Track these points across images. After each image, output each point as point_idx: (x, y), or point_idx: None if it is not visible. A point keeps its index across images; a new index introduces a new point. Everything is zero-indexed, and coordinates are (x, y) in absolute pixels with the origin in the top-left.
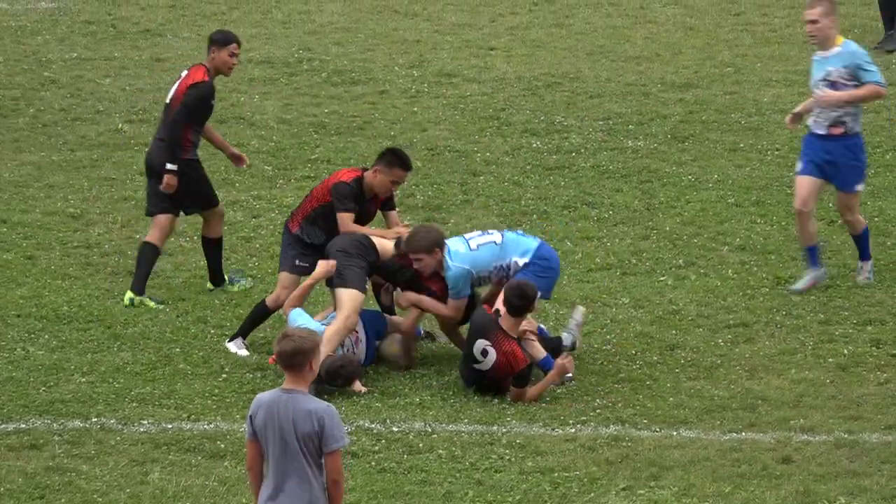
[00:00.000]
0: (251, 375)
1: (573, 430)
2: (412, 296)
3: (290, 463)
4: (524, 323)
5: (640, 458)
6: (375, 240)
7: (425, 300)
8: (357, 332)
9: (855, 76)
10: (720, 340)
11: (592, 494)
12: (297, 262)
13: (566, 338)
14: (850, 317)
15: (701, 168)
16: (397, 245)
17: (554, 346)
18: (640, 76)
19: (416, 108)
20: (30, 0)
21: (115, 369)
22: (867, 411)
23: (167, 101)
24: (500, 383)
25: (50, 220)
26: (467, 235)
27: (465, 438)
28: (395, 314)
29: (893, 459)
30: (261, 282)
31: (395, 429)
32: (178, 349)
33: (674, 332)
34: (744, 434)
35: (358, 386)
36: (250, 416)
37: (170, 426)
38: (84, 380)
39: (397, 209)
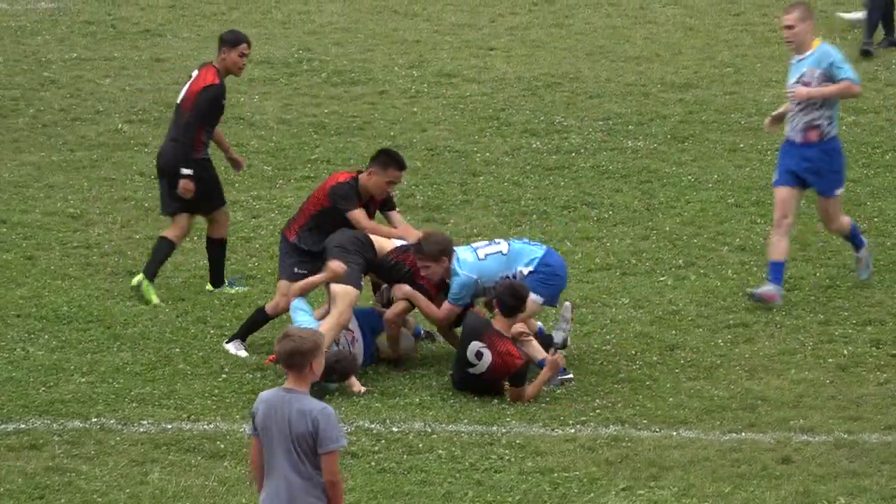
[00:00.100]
0: (251, 376)
1: (573, 431)
2: (408, 289)
3: (288, 462)
4: (521, 325)
5: (640, 458)
6: (373, 237)
7: (420, 297)
8: (352, 330)
9: (829, 76)
10: (720, 341)
11: (592, 495)
12: (295, 269)
13: (557, 335)
14: (849, 317)
15: (701, 168)
16: (417, 247)
17: (546, 345)
18: (640, 76)
19: (415, 109)
20: (30, 0)
21: (115, 369)
22: (867, 411)
23: (178, 101)
24: (495, 384)
25: (50, 221)
26: (475, 244)
27: (464, 439)
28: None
29: (893, 460)
30: (260, 282)
31: (394, 429)
32: (177, 349)
33: (673, 332)
34: (743, 434)
35: (357, 386)
36: (252, 414)
37: (169, 426)
38: (84, 380)
39: (397, 209)
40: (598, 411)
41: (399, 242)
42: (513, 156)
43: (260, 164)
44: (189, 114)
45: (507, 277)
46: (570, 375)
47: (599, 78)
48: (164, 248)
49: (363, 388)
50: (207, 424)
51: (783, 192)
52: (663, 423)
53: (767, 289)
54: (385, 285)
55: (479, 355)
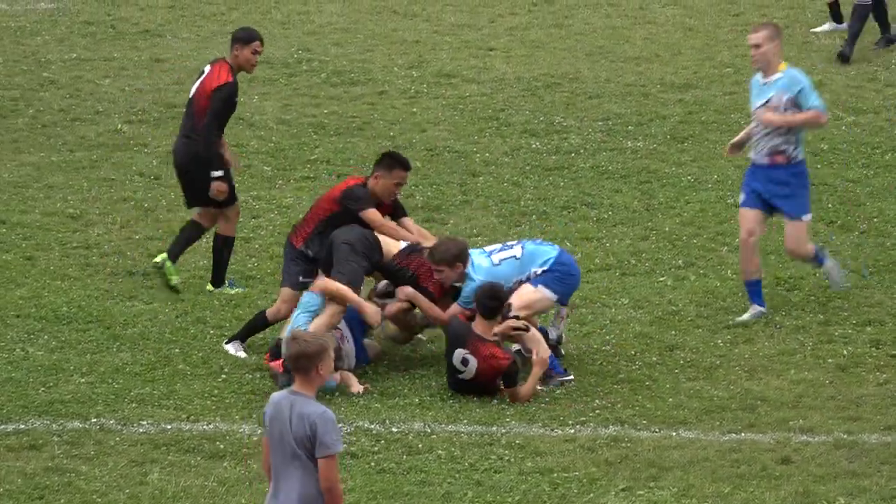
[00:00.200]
0: (250, 376)
1: (572, 431)
2: (410, 290)
3: (290, 463)
4: (508, 323)
5: (640, 458)
6: (381, 238)
7: (422, 299)
8: (340, 328)
9: (797, 102)
10: (719, 341)
11: (592, 495)
12: (300, 278)
13: (552, 332)
14: (849, 317)
15: (700, 168)
16: (431, 252)
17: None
18: (640, 77)
19: (415, 109)
20: (29, 1)
21: (115, 370)
22: (866, 412)
23: (190, 95)
24: (488, 386)
25: (49, 221)
26: (488, 248)
27: (464, 439)
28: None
29: (893, 460)
30: (260, 282)
31: (394, 429)
32: (177, 350)
33: (673, 332)
34: (743, 435)
35: (356, 386)
36: (264, 414)
37: (169, 427)
38: (83, 380)
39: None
40: (597, 412)
41: (404, 244)
42: (512, 156)
43: (259, 164)
44: (206, 115)
45: (521, 281)
46: (571, 377)
47: (599, 78)
48: (191, 232)
49: (361, 388)
50: (207, 425)
51: (749, 213)
52: (663, 424)
53: (752, 313)
54: (384, 281)
55: (464, 362)
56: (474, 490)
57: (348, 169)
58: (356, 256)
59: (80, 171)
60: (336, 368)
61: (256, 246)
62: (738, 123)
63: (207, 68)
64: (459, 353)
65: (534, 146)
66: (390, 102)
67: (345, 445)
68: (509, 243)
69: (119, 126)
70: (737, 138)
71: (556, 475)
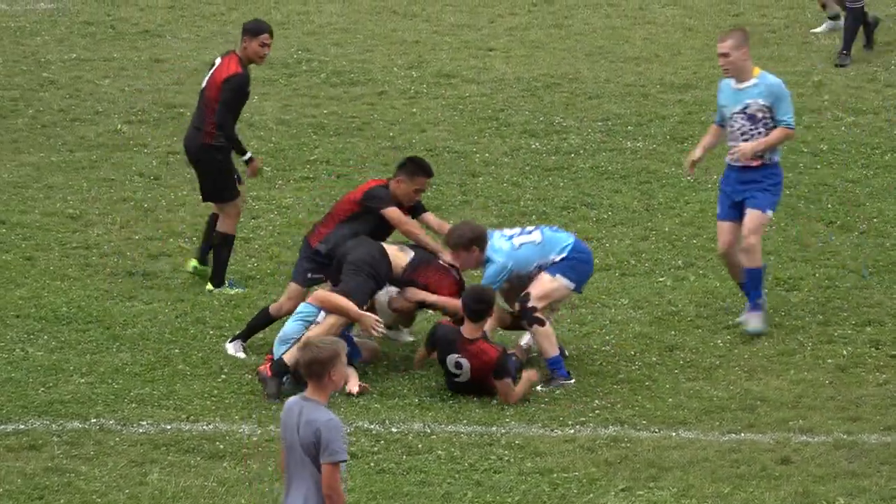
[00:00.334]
0: (250, 377)
1: (572, 431)
2: (420, 294)
3: (299, 467)
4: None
5: (639, 458)
6: (390, 252)
7: (431, 296)
8: None
9: (771, 110)
10: (719, 341)
11: (591, 495)
12: (308, 275)
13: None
14: (849, 318)
15: (700, 169)
16: (446, 237)
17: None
18: (639, 77)
19: (415, 109)
20: (29, 1)
21: (114, 370)
22: (866, 412)
23: (201, 88)
24: (486, 385)
25: (49, 221)
26: (507, 232)
27: (464, 439)
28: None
29: (892, 460)
30: (259, 283)
31: (394, 430)
32: (176, 350)
33: (673, 332)
34: (743, 435)
35: (353, 386)
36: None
37: (169, 427)
38: (83, 381)
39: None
40: (597, 412)
41: (412, 256)
42: (512, 156)
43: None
44: (218, 106)
45: (541, 266)
46: (573, 380)
47: (598, 78)
48: (225, 245)
49: (357, 388)
50: (206, 425)
51: (724, 226)
52: (662, 424)
53: (752, 314)
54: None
55: (458, 366)
56: (474, 490)
57: (348, 169)
58: (363, 274)
59: (80, 171)
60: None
61: (256, 246)
62: None
63: (218, 60)
64: (452, 358)
65: (533, 146)
66: (390, 103)
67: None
68: (527, 228)
69: (119, 126)
70: (697, 153)
71: (555, 475)
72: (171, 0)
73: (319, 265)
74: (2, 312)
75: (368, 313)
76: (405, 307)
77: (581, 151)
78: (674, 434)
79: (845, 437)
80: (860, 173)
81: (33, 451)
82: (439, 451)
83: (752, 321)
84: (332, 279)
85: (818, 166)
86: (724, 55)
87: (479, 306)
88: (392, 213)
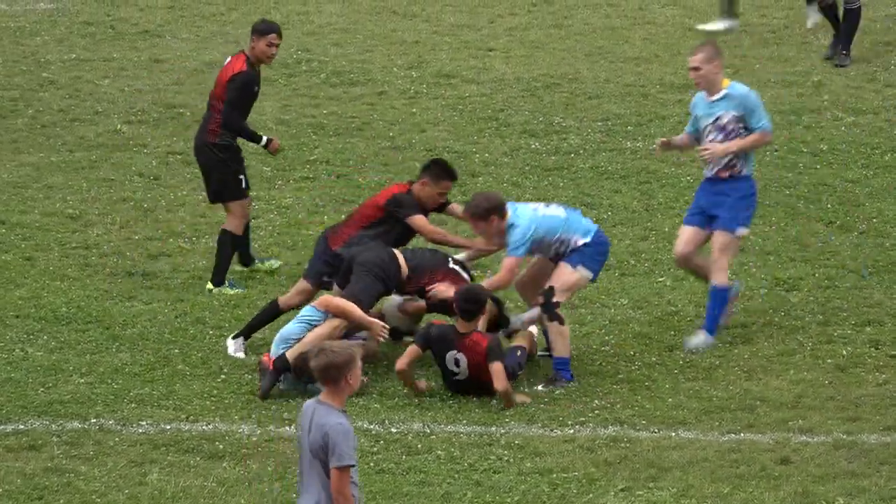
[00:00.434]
0: (249, 377)
1: (572, 431)
2: (442, 288)
3: (310, 469)
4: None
5: (639, 458)
6: (400, 259)
7: (486, 281)
8: None
9: (744, 121)
10: (719, 341)
11: (591, 495)
12: (324, 277)
13: (514, 321)
14: (848, 318)
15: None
16: (465, 209)
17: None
18: (639, 77)
19: (414, 109)
20: (28, 1)
21: (114, 370)
22: (866, 412)
23: (212, 88)
24: (484, 380)
25: (48, 221)
26: (531, 205)
27: (463, 439)
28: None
29: (892, 460)
30: (259, 283)
31: (393, 430)
32: (176, 350)
33: (672, 332)
34: (742, 435)
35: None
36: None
37: (168, 427)
38: (83, 381)
39: (451, 202)
40: (596, 412)
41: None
42: (512, 156)
43: (259, 164)
44: (224, 111)
45: (562, 241)
46: (574, 383)
47: (598, 79)
48: (227, 244)
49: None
50: (206, 425)
51: (686, 230)
52: (662, 424)
53: (702, 332)
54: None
55: (456, 363)
56: (473, 490)
57: (347, 169)
58: (372, 277)
59: (80, 171)
60: (304, 381)
61: (256, 246)
62: None
63: (228, 59)
64: (451, 355)
65: (533, 146)
66: (390, 103)
67: None
68: (548, 204)
69: (118, 126)
70: (673, 139)
71: (555, 475)
72: (171, 0)
73: (337, 270)
74: (1, 312)
75: (375, 320)
76: (415, 309)
77: (581, 151)
78: (673, 434)
79: (845, 437)
80: (860, 173)
81: (33, 452)
82: (439, 451)
83: (697, 339)
84: (341, 282)
85: (818, 166)
86: (695, 69)
87: (471, 306)
88: (418, 221)
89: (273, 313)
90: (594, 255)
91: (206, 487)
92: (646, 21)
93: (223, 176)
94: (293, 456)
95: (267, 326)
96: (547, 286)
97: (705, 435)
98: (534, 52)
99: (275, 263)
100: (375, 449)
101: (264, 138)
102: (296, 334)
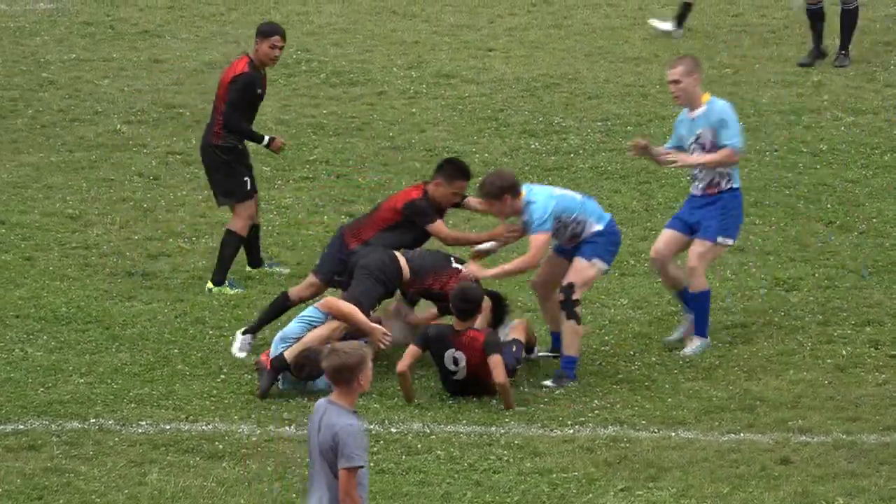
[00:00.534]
0: (249, 377)
1: (571, 431)
2: (475, 267)
3: (319, 469)
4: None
5: (639, 458)
6: (401, 261)
7: (500, 268)
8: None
9: (717, 135)
10: (718, 341)
11: (591, 495)
12: (336, 277)
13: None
14: (848, 318)
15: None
16: (478, 189)
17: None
18: (639, 77)
19: (414, 109)
20: (28, 1)
21: (114, 370)
22: (865, 412)
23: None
24: (484, 381)
25: (48, 221)
26: (546, 186)
27: (463, 439)
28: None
29: (892, 460)
30: (259, 283)
31: (393, 430)
32: (176, 350)
33: (672, 332)
34: (742, 435)
35: None
36: None
37: (168, 427)
38: (82, 381)
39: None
40: (596, 412)
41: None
42: (511, 156)
43: (258, 164)
44: (225, 112)
45: (578, 222)
46: (575, 382)
47: (598, 79)
48: (231, 244)
49: None
50: (206, 425)
51: (665, 233)
52: (662, 424)
53: (697, 337)
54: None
55: (455, 361)
56: (473, 490)
57: (347, 169)
58: (372, 280)
59: (80, 171)
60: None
61: None
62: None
63: (232, 62)
64: (449, 354)
65: (533, 146)
66: (389, 103)
67: None
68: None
69: (118, 126)
70: (653, 147)
71: (554, 475)
72: (171, 0)
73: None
74: (1, 312)
75: (377, 326)
76: (430, 318)
77: (580, 151)
78: (673, 434)
79: (844, 437)
80: (859, 173)
81: (32, 452)
82: (438, 452)
83: (692, 345)
84: (344, 285)
85: (818, 166)
86: (675, 82)
87: (465, 305)
88: (436, 228)
89: (283, 306)
90: (607, 244)
91: (206, 487)
92: (645, 21)
93: (227, 177)
94: (293, 456)
95: (267, 327)
96: (565, 283)
97: (705, 435)
98: (533, 53)
99: (283, 271)
100: (375, 449)
101: (266, 138)
102: (296, 334)
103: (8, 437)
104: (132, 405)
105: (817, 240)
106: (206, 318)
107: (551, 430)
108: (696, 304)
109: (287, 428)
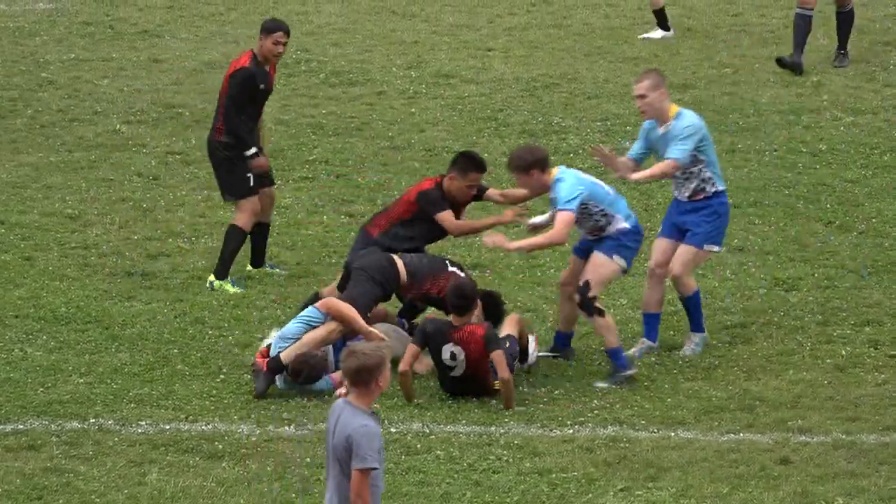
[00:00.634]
0: (248, 377)
1: (571, 431)
2: (501, 239)
3: (335, 469)
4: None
5: (638, 458)
6: (399, 264)
7: (526, 241)
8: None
9: (696, 149)
10: (718, 341)
11: (590, 495)
12: None
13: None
14: (847, 318)
15: None
16: (507, 162)
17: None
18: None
19: (413, 109)
20: (28, 1)
21: (113, 370)
22: (865, 412)
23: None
24: (482, 377)
25: (48, 221)
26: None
27: (462, 439)
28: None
29: (891, 460)
30: (259, 283)
31: (392, 430)
32: (175, 350)
33: (672, 333)
34: (742, 435)
35: (341, 390)
36: None
37: (167, 427)
38: (82, 381)
39: (488, 188)
40: (596, 412)
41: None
42: None
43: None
44: (224, 105)
45: (605, 214)
46: (635, 370)
47: (598, 79)
48: (233, 239)
49: (345, 392)
50: (205, 425)
51: (661, 243)
52: (661, 424)
53: (639, 347)
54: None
55: (453, 356)
56: (473, 490)
57: (347, 169)
58: (370, 283)
59: (79, 171)
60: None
61: None
62: (736, 124)
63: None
64: (447, 348)
65: None
66: (389, 103)
67: None
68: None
69: (117, 126)
70: (619, 156)
71: (554, 475)
72: (170, 0)
73: None
74: (1, 312)
75: (375, 331)
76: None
77: (580, 151)
78: (672, 434)
79: (844, 437)
80: (859, 173)
81: (32, 451)
82: (438, 452)
83: (691, 343)
84: (342, 287)
85: (817, 166)
86: (641, 96)
87: (461, 301)
88: (444, 217)
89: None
90: (629, 243)
91: (206, 487)
92: (645, 21)
93: (228, 174)
94: (292, 456)
95: (266, 327)
96: (582, 281)
97: (704, 435)
98: (533, 52)
99: (282, 272)
100: None
101: (254, 149)
102: (295, 334)
103: (8, 437)
104: (132, 405)
105: (817, 240)
106: (205, 318)
107: (551, 430)
108: (690, 305)
109: (286, 428)
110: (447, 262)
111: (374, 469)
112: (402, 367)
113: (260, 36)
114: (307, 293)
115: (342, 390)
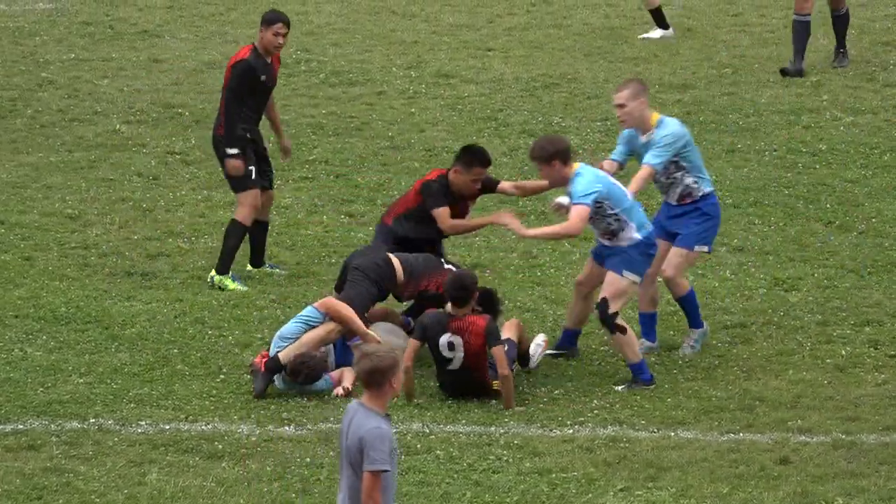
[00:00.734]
0: (248, 377)
1: (571, 431)
2: (516, 224)
3: (348, 471)
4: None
5: (638, 458)
6: (396, 264)
7: (541, 230)
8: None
9: (678, 155)
10: (718, 341)
11: (590, 495)
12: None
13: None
14: (847, 318)
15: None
16: (529, 151)
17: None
18: (638, 77)
19: (413, 109)
20: (27, 1)
21: (113, 370)
22: (865, 412)
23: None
24: (480, 372)
25: (48, 221)
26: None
27: (462, 439)
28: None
29: (891, 460)
30: (259, 283)
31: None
32: (175, 350)
33: (671, 332)
34: (741, 435)
35: (346, 382)
36: None
37: (167, 427)
38: (82, 381)
39: (500, 181)
40: (595, 412)
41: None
42: (511, 156)
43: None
44: (224, 97)
45: (620, 219)
46: (654, 385)
47: (597, 79)
48: (234, 234)
49: (342, 391)
50: (205, 425)
51: (661, 245)
52: (661, 424)
53: (639, 349)
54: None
55: (451, 346)
56: (473, 490)
57: (346, 169)
58: (367, 282)
59: (79, 171)
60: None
61: None
62: (736, 124)
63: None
64: (444, 338)
65: None
66: (389, 103)
67: None
68: None
69: (117, 126)
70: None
71: (554, 475)
72: (170, 0)
73: (395, 245)
74: (1, 312)
75: (373, 333)
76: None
77: (580, 151)
78: (672, 434)
79: (844, 437)
80: (859, 173)
81: (32, 451)
82: (438, 452)
83: (690, 340)
84: (339, 287)
85: (817, 166)
86: (621, 106)
87: (460, 293)
88: (440, 213)
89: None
90: (638, 256)
91: (206, 487)
92: (644, 21)
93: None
94: (292, 456)
95: (266, 327)
96: (600, 298)
97: (704, 435)
98: (533, 52)
99: (282, 272)
100: None
101: (236, 150)
102: (294, 334)
103: (7, 437)
104: (131, 405)
105: (816, 240)
106: (205, 318)
107: (551, 430)
108: (686, 303)
109: (286, 428)
110: (443, 260)
111: (386, 471)
112: (404, 362)
113: (260, 28)
114: (307, 293)
115: (339, 390)
